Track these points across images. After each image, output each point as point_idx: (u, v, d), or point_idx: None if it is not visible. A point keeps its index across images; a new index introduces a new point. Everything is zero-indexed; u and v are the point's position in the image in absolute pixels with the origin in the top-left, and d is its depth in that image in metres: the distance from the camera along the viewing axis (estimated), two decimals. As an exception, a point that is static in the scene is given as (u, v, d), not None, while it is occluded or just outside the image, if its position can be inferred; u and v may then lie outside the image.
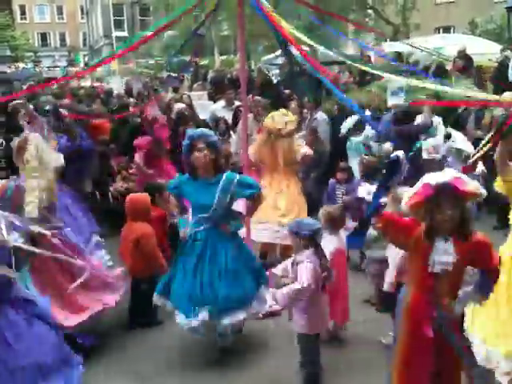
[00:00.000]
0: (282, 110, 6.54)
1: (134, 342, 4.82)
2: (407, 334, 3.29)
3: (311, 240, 3.97)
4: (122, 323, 5.08)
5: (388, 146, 7.37)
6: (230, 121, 9.07)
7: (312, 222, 4.13)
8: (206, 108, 10.41)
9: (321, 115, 8.53)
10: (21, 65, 24.07)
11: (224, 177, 4.38)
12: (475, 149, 4.10)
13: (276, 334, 4.78)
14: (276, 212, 6.14)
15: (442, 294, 3.14)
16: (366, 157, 6.83)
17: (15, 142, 5.05)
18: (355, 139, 8.27)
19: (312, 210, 6.08)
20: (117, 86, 15.30)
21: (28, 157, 4.84)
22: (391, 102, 8.64)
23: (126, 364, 4.50)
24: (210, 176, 4.39)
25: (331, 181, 6.77)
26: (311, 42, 6.01)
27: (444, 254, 3.08)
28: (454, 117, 8.96)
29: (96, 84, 18.23)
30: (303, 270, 3.87)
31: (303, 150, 6.33)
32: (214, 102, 11.04)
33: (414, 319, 3.25)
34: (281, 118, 6.28)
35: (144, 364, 4.49)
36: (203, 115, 9.78)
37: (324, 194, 6.82)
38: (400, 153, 5.41)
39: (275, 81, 13.30)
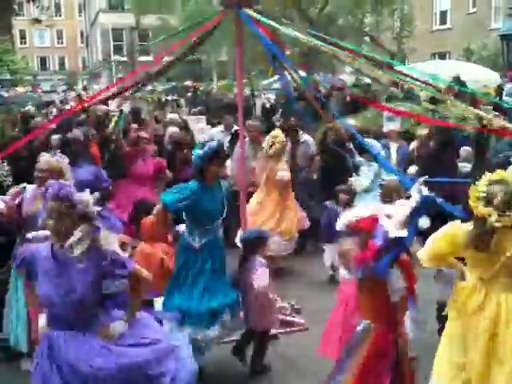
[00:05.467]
0: (274, 132, 6.76)
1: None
2: None
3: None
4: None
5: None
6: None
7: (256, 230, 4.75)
8: (205, 132, 10.48)
9: (308, 138, 8.18)
10: (20, 89, 24.06)
11: (221, 183, 4.55)
12: None
13: (275, 358, 4.70)
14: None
15: None
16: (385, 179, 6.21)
17: None
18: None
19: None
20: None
21: None
22: (387, 127, 8.74)
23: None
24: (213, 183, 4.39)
25: (330, 205, 6.36)
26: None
27: None
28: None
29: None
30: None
31: (280, 173, 6.48)
32: (213, 126, 11.12)
33: None
34: (268, 140, 6.60)
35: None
36: (201, 139, 9.81)
37: (323, 220, 6.38)
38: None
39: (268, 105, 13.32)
